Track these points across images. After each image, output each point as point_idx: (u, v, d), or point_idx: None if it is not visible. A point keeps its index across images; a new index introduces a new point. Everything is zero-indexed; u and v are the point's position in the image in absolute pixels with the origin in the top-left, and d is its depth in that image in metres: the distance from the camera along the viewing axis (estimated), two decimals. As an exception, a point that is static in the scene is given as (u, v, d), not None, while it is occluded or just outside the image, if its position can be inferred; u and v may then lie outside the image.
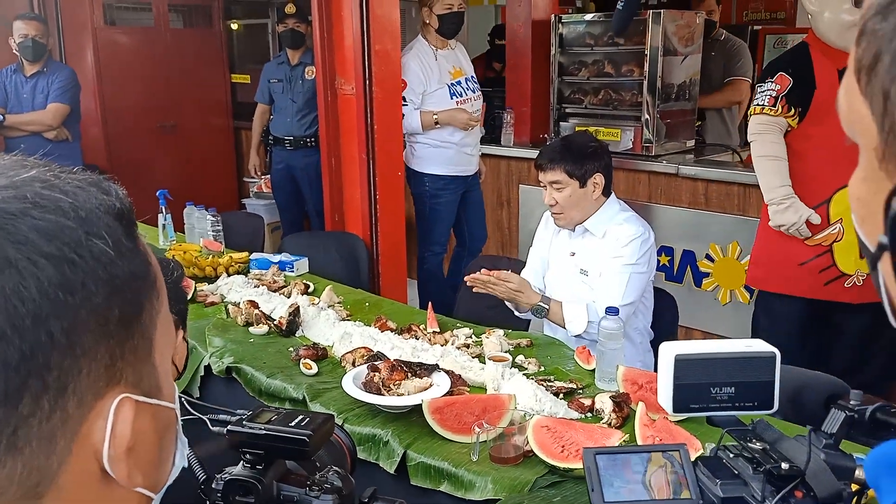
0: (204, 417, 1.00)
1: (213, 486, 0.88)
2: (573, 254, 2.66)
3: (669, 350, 1.00)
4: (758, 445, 1.00)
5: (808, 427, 0.99)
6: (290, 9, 4.81)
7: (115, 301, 0.52)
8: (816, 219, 2.81)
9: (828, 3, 2.78)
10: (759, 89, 2.96)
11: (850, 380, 1.74)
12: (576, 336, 2.49)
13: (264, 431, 0.87)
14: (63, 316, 0.48)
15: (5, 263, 0.47)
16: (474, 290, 2.56)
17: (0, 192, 0.50)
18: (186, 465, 0.65)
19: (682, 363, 0.99)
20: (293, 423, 0.88)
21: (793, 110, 2.84)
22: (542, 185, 2.63)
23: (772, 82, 2.89)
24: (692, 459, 1.04)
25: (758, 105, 2.92)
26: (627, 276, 2.49)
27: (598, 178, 2.57)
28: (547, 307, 2.51)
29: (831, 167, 2.72)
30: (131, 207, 0.57)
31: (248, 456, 0.88)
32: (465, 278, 2.58)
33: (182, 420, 1.08)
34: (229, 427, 0.89)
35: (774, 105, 2.86)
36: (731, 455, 1.02)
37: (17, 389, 0.47)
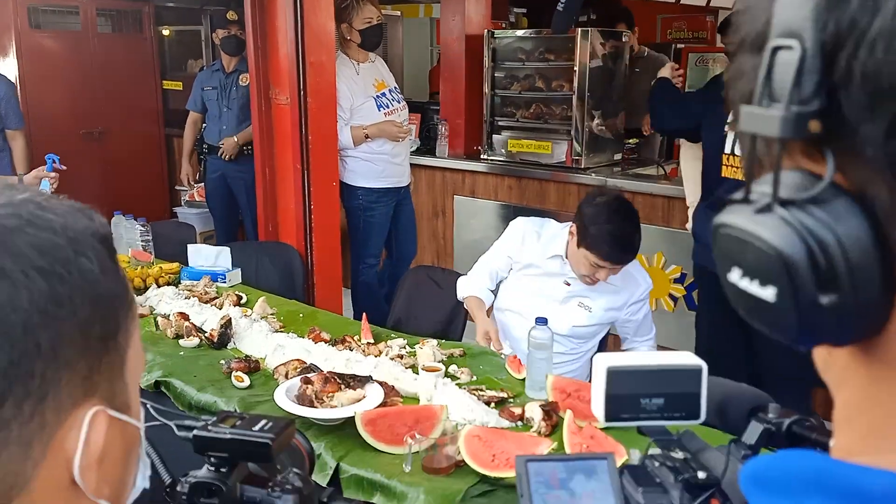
0: (170, 423, 1.01)
1: (178, 488, 0.90)
2: (568, 283, 2.64)
3: (602, 362, 1.04)
4: (680, 455, 1.04)
5: (731, 438, 1.04)
6: (231, 15, 4.76)
7: (98, 317, 0.55)
8: None
9: None
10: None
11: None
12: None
13: (229, 436, 0.90)
14: (50, 327, 0.51)
15: (1, 274, 0.50)
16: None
17: None
18: (147, 486, 0.66)
19: (613, 375, 1.03)
20: (257, 428, 0.91)
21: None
22: (593, 265, 2.48)
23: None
24: (618, 467, 1.08)
25: None
26: (647, 320, 2.74)
27: None
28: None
29: None
30: (111, 234, 0.60)
31: (212, 459, 0.91)
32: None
33: (148, 426, 1.08)
34: (195, 432, 0.91)
35: None
36: (657, 464, 1.07)
37: (1, 394, 0.49)
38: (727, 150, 3.05)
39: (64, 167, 3.44)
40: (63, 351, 0.52)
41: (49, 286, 0.51)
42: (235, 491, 0.90)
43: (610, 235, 2.42)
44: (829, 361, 0.44)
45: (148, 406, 1.22)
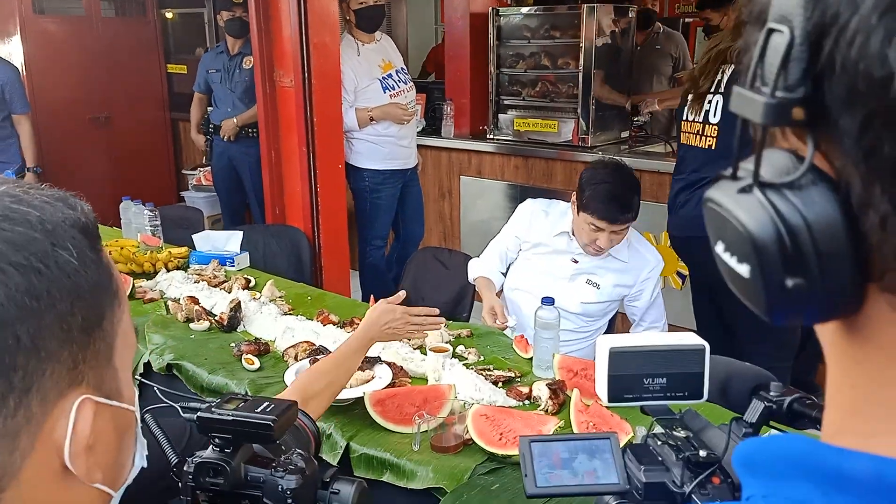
0: (175, 405, 1.04)
1: (185, 468, 0.93)
2: (576, 260, 2.65)
3: (605, 343, 1.05)
4: (682, 434, 1.06)
5: (735, 416, 1.05)
6: None
7: (79, 308, 0.55)
8: None
9: None
10: None
11: None
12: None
13: (231, 417, 0.92)
14: (29, 321, 0.52)
15: None
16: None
17: None
18: (146, 465, 0.68)
19: (616, 356, 1.04)
20: (259, 410, 0.93)
21: None
22: (593, 227, 2.48)
23: None
24: (622, 445, 1.10)
25: None
26: (658, 302, 2.71)
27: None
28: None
29: None
30: (96, 222, 0.60)
31: (216, 440, 0.93)
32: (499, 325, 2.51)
33: (154, 408, 1.10)
34: (199, 413, 0.94)
35: None
36: (659, 443, 1.08)
37: None
38: (693, 117, 3.07)
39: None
40: (44, 343, 0.53)
41: (26, 280, 0.52)
42: (240, 471, 0.92)
43: (605, 193, 2.44)
44: (821, 335, 0.45)
45: (155, 388, 1.25)
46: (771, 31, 0.39)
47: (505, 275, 2.82)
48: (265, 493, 0.91)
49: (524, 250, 2.78)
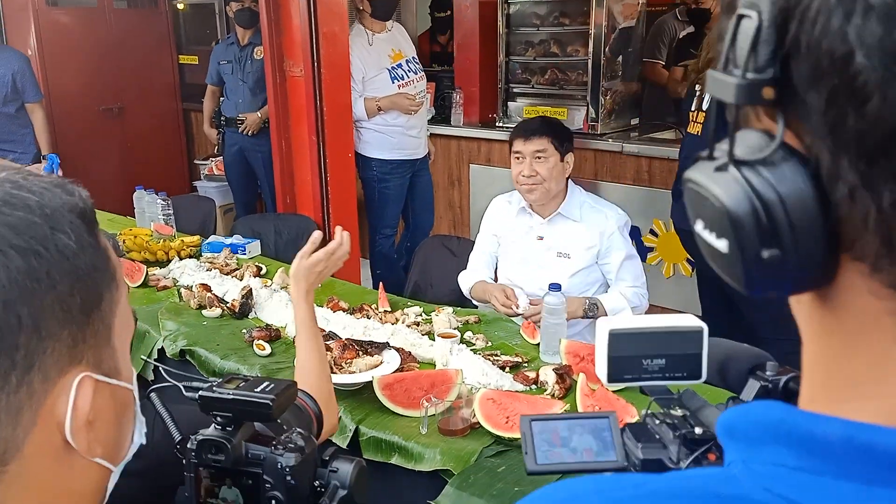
0: (179, 384, 1.07)
1: (189, 445, 0.96)
2: (541, 238, 2.71)
3: (605, 325, 1.07)
4: (679, 412, 1.08)
5: (730, 395, 1.07)
6: None
7: (78, 289, 0.58)
8: None
9: None
10: None
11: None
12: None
13: (232, 396, 0.95)
14: (30, 302, 0.54)
15: None
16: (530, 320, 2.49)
17: None
18: (144, 441, 0.71)
19: (615, 337, 1.06)
20: (258, 389, 0.96)
21: None
22: (517, 157, 2.66)
23: None
24: (623, 425, 1.12)
25: None
26: (634, 262, 2.69)
27: (571, 158, 2.69)
28: (597, 306, 2.56)
29: None
30: (93, 207, 0.63)
31: (218, 419, 0.96)
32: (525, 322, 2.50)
33: (158, 387, 1.14)
34: (201, 393, 0.97)
35: None
36: (657, 422, 1.11)
37: None
38: (693, 107, 3.15)
39: (60, 172, 3.49)
40: (45, 323, 0.55)
41: (26, 263, 0.54)
42: (240, 448, 0.95)
43: (526, 120, 2.74)
44: (797, 312, 0.47)
45: (160, 368, 1.28)
46: (741, 16, 0.40)
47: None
48: (265, 470, 0.93)
49: (502, 245, 2.82)
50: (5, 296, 0.53)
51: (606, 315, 2.51)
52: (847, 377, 0.43)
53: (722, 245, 0.42)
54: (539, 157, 2.62)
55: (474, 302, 2.77)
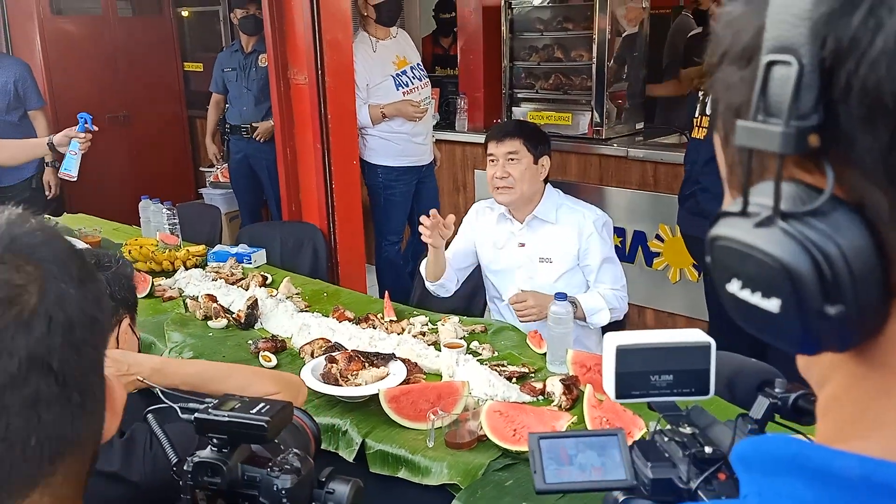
0: (175, 406, 1.07)
1: (185, 467, 0.96)
2: (522, 244, 2.71)
3: (612, 340, 1.06)
4: (688, 430, 1.07)
5: (741, 411, 1.06)
6: None
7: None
8: None
9: None
10: None
11: None
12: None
13: (227, 418, 0.95)
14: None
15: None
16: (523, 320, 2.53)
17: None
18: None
19: (623, 353, 1.06)
20: (254, 411, 0.96)
21: None
22: (491, 159, 2.67)
23: None
24: (635, 439, 1.12)
25: None
26: (614, 264, 2.66)
27: (546, 161, 2.67)
28: (575, 304, 2.51)
29: None
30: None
31: (214, 440, 0.96)
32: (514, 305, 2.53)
33: (155, 408, 1.13)
34: (196, 414, 0.97)
35: None
36: (666, 439, 1.10)
37: None
38: (696, 112, 3.17)
39: (96, 128, 3.46)
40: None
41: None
42: (236, 470, 0.95)
43: (499, 122, 2.75)
44: (812, 361, 0.46)
45: (156, 390, 1.28)
46: (772, 63, 0.39)
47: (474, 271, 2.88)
48: (261, 492, 0.93)
49: (486, 255, 2.80)
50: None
51: (584, 315, 2.52)
52: (872, 419, 0.42)
53: (772, 305, 0.40)
54: (511, 159, 2.62)
55: (431, 285, 2.77)
